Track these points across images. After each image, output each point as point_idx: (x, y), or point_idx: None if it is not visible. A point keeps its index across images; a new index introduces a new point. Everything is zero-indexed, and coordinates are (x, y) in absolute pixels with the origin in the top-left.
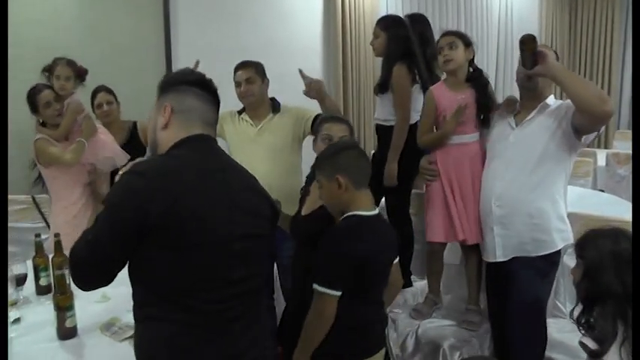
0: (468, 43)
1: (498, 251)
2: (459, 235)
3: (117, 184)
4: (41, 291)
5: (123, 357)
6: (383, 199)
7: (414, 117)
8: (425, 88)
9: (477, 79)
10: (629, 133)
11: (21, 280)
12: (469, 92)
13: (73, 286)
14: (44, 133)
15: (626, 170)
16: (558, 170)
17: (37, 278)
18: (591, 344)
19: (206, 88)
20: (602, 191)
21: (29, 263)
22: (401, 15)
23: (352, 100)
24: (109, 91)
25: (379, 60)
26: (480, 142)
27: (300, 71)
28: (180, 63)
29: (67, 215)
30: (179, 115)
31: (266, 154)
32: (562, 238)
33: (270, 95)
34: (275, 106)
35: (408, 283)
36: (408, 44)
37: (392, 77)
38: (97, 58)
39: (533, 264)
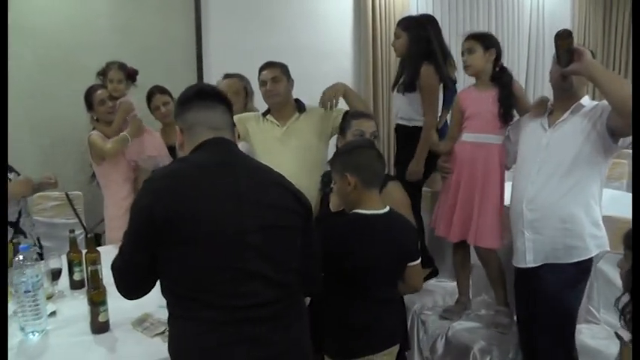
0: (487, 46)
1: (529, 256)
2: (457, 237)
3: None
4: (75, 285)
5: (154, 352)
6: None
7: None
8: (445, 88)
9: (500, 78)
10: None
11: (56, 275)
12: (494, 91)
13: (105, 282)
14: (98, 128)
15: None
16: (593, 174)
17: (71, 273)
18: (627, 336)
19: (204, 96)
20: None
21: (64, 258)
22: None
23: (383, 101)
24: (164, 91)
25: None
26: (502, 146)
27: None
28: (211, 63)
29: (119, 210)
30: (187, 132)
31: (293, 154)
32: (597, 244)
33: (301, 96)
34: (300, 106)
35: (435, 270)
36: (429, 45)
37: (420, 77)
38: (130, 59)
39: (564, 271)
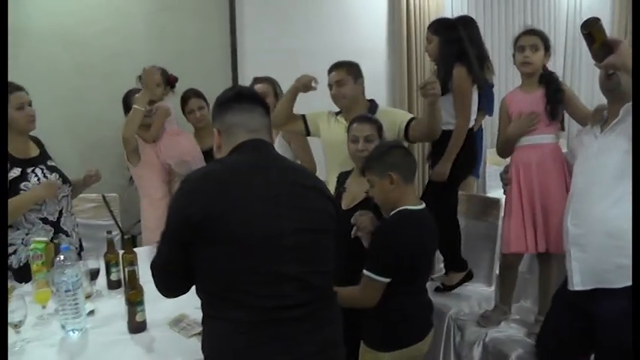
0: (547, 47)
1: (576, 277)
2: (533, 247)
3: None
4: (112, 285)
5: (191, 352)
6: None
7: (471, 120)
8: (480, 90)
9: (547, 78)
10: None
11: (94, 275)
12: (540, 92)
13: (142, 282)
14: (137, 134)
15: None
16: None
17: (108, 273)
18: None
19: (242, 99)
20: None
21: (101, 259)
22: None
23: (417, 104)
24: (199, 95)
25: None
26: (556, 145)
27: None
28: (245, 66)
29: (155, 211)
30: (225, 134)
31: None
32: None
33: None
34: (372, 107)
35: (470, 273)
36: (461, 46)
37: (452, 79)
38: (165, 64)
39: (620, 299)
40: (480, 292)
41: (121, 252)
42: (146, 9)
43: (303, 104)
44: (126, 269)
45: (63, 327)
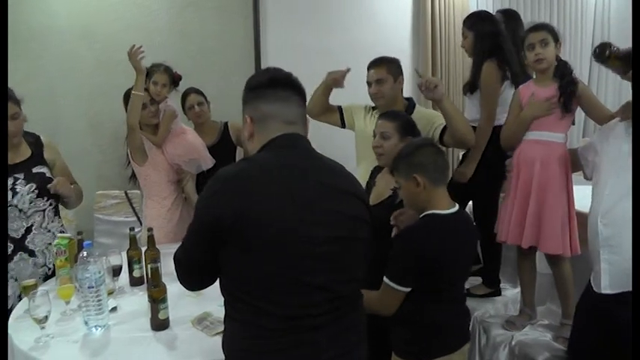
0: (556, 39)
1: (604, 280)
2: (516, 239)
3: (203, 190)
4: (135, 282)
5: (213, 351)
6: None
7: (503, 118)
8: (517, 86)
9: (562, 69)
10: None
11: (117, 271)
12: (554, 86)
13: (165, 279)
14: (143, 133)
15: None
16: None
17: (130, 270)
18: None
19: (279, 85)
20: None
21: (123, 255)
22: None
23: None
24: (199, 92)
25: (469, 61)
26: (564, 146)
27: (416, 70)
28: (269, 63)
29: (160, 210)
30: (258, 123)
31: None
32: None
33: (358, 98)
34: (410, 106)
35: (497, 292)
36: (496, 40)
37: (481, 75)
38: (188, 60)
39: None
40: (505, 294)
41: (143, 248)
42: (169, 5)
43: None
44: (149, 266)
45: (86, 323)
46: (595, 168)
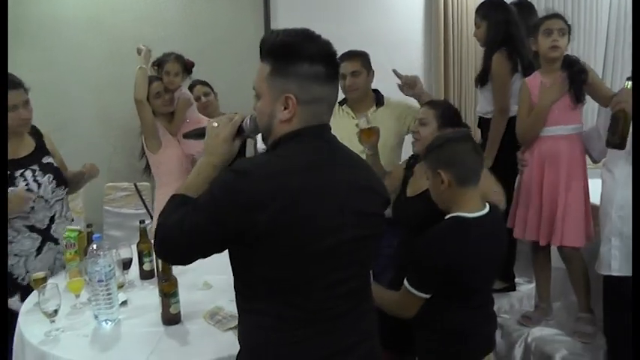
0: (569, 30)
1: (614, 264)
2: (535, 235)
3: (220, 178)
4: (145, 275)
5: (226, 346)
6: None
7: (516, 110)
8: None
9: (569, 61)
10: None
11: (127, 264)
12: (562, 76)
13: (176, 273)
14: (159, 123)
15: None
16: None
17: (140, 263)
18: None
19: (331, 64)
20: None
21: (134, 248)
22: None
23: (453, 94)
24: (205, 84)
25: (482, 52)
26: (580, 135)
27: (395, 71)
28: None
29: None
30: (305, 106)
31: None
32: None
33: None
34: (379, 98)
35: (511, 287)
36: (508, 29)
37: (491, 66)
38: (198, 52)
39: None
40: (520, 289)
41: (153, 241)
42: None
43: None
44: (159, 259)
45: (96, 317)
46: (605, 151)
